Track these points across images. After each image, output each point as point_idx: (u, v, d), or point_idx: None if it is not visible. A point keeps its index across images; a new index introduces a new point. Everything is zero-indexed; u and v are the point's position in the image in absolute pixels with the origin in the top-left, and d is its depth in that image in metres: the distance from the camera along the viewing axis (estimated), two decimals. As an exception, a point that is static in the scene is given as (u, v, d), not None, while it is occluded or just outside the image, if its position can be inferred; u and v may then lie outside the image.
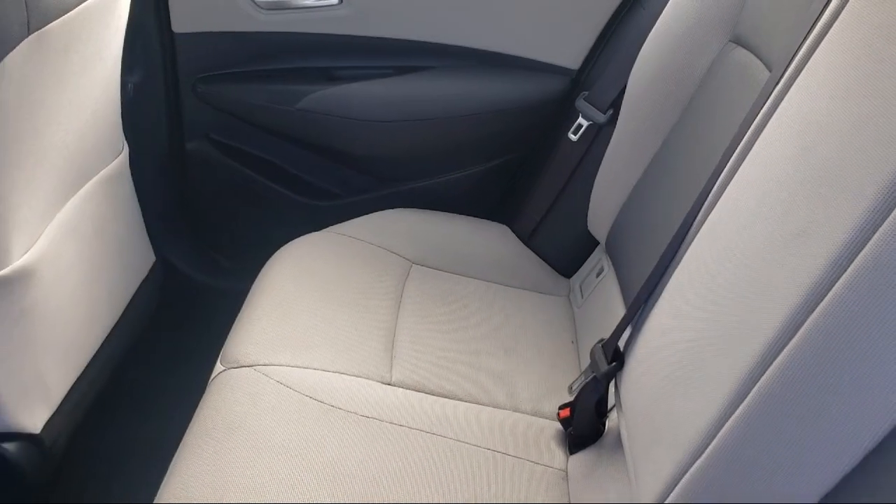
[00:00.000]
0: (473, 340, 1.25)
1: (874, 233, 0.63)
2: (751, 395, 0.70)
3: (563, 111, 1.48)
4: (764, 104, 0.89)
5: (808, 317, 0.66)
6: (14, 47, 0.97)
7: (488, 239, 1.52)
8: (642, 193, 1.27)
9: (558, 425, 1.11)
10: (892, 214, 0.62)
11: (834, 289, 0.64)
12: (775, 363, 0.68)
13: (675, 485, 0.77)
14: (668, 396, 0.84)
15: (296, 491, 0.91)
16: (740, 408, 0.71)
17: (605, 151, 1.37)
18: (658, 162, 1.25)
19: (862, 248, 0.63)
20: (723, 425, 0.72)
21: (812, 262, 0.67)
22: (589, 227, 1.42)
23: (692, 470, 0.75)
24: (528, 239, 1.52)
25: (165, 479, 0.95)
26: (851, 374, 0.64)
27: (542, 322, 1.34)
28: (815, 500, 0.67)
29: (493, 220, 1.55)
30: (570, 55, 1.49)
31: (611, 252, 1.34)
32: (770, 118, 0.86)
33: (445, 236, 1.48)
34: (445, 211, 1.54)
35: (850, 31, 0.77)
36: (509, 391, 1.16)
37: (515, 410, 1.13)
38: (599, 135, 1.41)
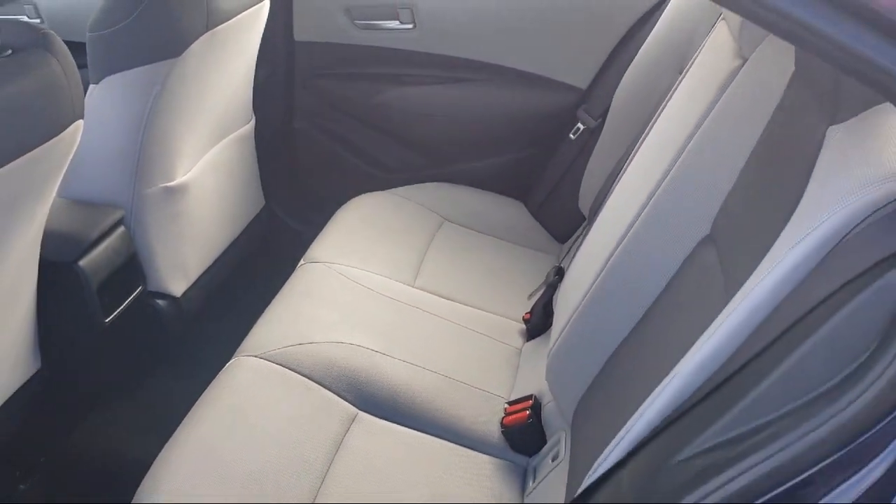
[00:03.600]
0: (477, 271, 1.75)
1: (666, 176, 1.11)
2: (608, 264, 1.19)
3: (568, 118, 1.98)
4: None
5: (634, 223, 1.15)
6: (197, 38, 1.54)
7: (505, 210, 2.02)
8: (612, 180, 1.75)
9: (523, 325, 1.60)
10: (676, 165, 1.10)
11: (649, 204, 1.13)
12: (620, 246, 1.17)
13: (567, 325, 1.25)
14: (573, 280, 1.33)
15: (331, 330, 1.43)
16: (602, 273, 1.19)
17: (594, 149, 1.86)
18: (623, 159, 1.73)
19: (664, 180, 1.12)
20: (593, 284, 1.21)
21: (645, 189, 1.16)
22: (579, 206, 1.91)
23: (575, 315, 1.24)
24: (535, 212, 2.02)
25: (260, 319, 1.49)
26: (651, 252, 1.12)
27: (532, 269, 1.83)
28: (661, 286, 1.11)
29: (511, 196, 2.06)
30: (581, 77, 1.99)
31: (589, 222, 1.82)
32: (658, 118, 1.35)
33: (472, 205, 2.00)
34: (475, 187, 2.05)
35: (693, 67, 1.27)
36: (495, 302, 1.66)
37: (496, 313, 1.63)
38: (591, 137, 1.90)
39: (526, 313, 1.60)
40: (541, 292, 1.57)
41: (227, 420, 1.20)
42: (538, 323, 1.55)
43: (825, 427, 0.53)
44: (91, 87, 1.51)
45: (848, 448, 0.52)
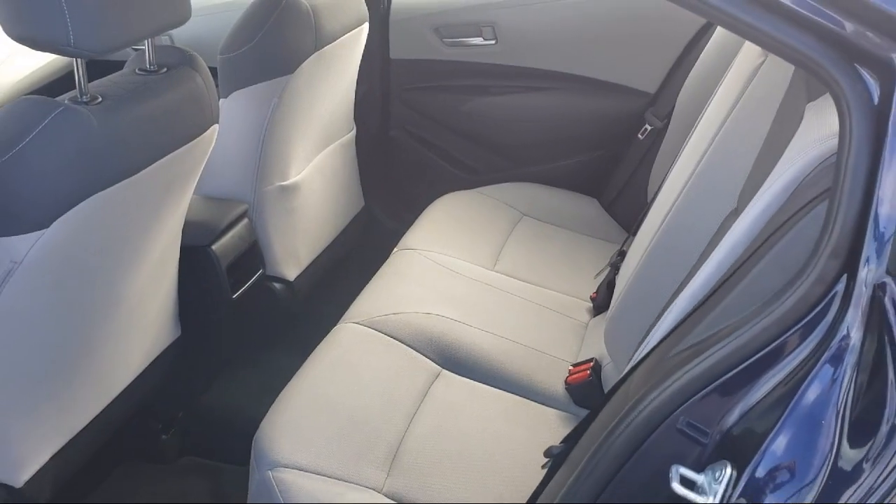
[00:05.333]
0: (550, 258, 1.95)
1: (700, 162, 1.29)
2: (653, 240, 1.37)
3: (637, 120, 2.16)
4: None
5: (676, 201, 1.33)
6: (307, 58, 1.81)
7: (580, 205, 2.21)
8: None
9: (590, 304, 1.79)
10: (709, 151, 1.28)
11: (687, 186, 1.31)
12: (663, 224, 1.35)
13: (621, 293, 1.44)
14: (630, 257, 1.52)
15: (421, 303, 1.66)
16: (649, 247, 1.38)
17: (660, 147, 2.04)
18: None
19: (699, 165, 1.30)
20: (642, 258, 1.39)
21: (685, 174, 1.34)
22: (648, 200, 2.08)
23: (627, 285, 1.42)
24: (608, 207, 2.20)
25: (361, 294, 1.73)
26: (688, 227, 1.30)
27: (601, 255, 2.00)
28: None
29: (585, 193, 2.25)
30: (649, 83, 2.17)
31: (647, 209, 2.00)
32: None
33: (549, 201, 2.20)
34: (552, 186, 2.25)
35: (733, 66, 1.44)
36: (565, 283, 1.85)
37: (566, 293, 1.82)
38: (658, 136, 2.07)
39: (593, 293, 1.79)
40: (605, 273, 1.76)
41: (333, 369, 1.45)
42: (603, 300, 1.73)
43: (769, 318, 0.70)
44: (221, 101, 1.80)
45: (787, 334, 0.70)
